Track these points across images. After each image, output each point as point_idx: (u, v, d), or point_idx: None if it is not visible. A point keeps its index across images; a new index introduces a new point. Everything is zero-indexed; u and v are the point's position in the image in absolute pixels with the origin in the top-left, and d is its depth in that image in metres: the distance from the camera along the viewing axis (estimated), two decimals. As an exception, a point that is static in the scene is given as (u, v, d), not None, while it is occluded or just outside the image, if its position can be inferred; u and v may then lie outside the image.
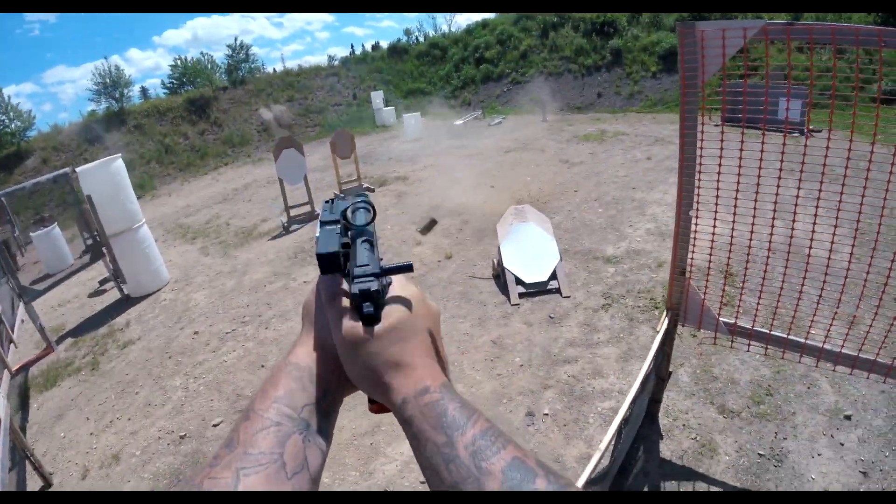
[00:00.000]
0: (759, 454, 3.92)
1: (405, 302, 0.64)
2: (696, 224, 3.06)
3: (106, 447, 4.91)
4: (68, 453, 4.95)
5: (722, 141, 2.74)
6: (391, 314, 0.62)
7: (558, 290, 6.34)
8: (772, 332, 3.23)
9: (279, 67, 30.62)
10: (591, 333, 5.49)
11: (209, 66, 27.64)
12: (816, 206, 2.68)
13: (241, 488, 0.49)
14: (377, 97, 25.68)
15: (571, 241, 7.81)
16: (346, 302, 0.63)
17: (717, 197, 2.91)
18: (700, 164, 2.89)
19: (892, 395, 4.40)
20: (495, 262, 6.96)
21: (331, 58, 32.81)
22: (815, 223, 2.80)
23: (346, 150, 12.24)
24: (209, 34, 58.82)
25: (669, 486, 3.69)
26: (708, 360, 4.88)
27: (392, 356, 0.60)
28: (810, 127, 10.77)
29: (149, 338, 6.90)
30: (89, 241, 9.30)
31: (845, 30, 2.36)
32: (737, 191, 2.83)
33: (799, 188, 2.67)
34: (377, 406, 0.64)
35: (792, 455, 3.91)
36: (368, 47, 34.92)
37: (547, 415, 4.48)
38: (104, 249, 8.07)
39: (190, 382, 5.63)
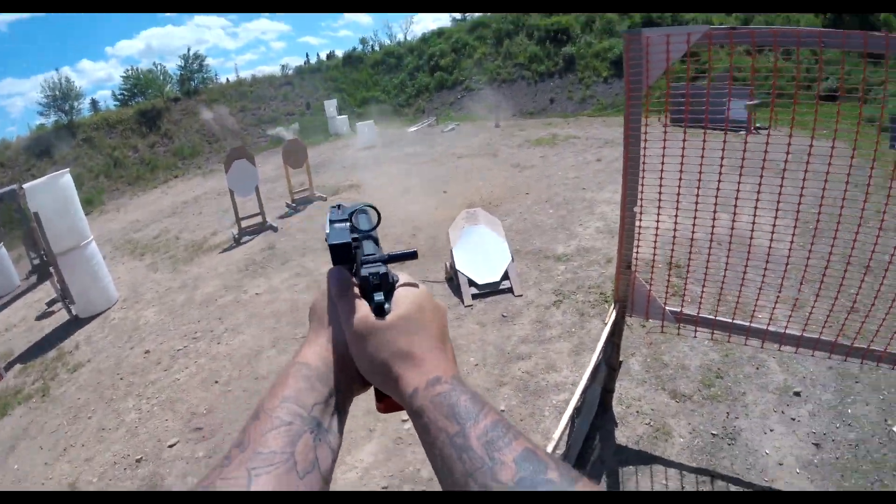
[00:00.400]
0: (712, 434, 4.04)
1: (414, 293, 0.65)
2: (640, 220, 3.15)
3: (62, 476, 4.74)
4: (23, 485, 4.76)
5: (665, 140, 2.88)
6: (401, 304, 0.63)
7: (511, 290, 6.41)
8: (717, 318, 3.34)
9: (233, 77, 30.29)
10: (544, 330, 5.57)
11: (161, 77, 27.17)
12: (757, 198, 2.81)
13: (253, 488, 0.48)
14: (331, 106, 25.58)
15: (523, 242, 7.89)
16: (356, 294, 0.64)
17: (660, 193, 3.00)
18: (644, 164, 2.98)
19: (839, 370, 4.58)
20: (448, 265, 6.99)
21: (284, 67, 32.61)
22: (755, 213, 2.91)
23: (298, 160, 12.17)
24: (163, 44, 57.93)
25: (627, 471, 3.77)
26: (658, 348, 5.00)
27: (402, 346, 0.60)
28: (756, 125, 11.17)
29: (99, 359, 6.70)
30: (36, 261, 9.03)
31: (787, 32, 2.47)
32: (679, 186, 2.94)
33: (739, 182, 2.78)
34: (385, 404, 0.65)
35: (745, 433, 4.04)
36: (324, 56, 34.85)
37: (503, 411, 4.51)
38: (51, 269, 7.84)
39: (143, 403, 5.48)
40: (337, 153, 19.28)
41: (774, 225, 2.86)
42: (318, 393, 0.60)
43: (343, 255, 0.68)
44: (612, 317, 3.52)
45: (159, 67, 27.49)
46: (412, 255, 0.68)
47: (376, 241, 0.71)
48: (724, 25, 2.59)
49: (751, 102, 10.67)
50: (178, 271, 9.44)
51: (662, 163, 2.93)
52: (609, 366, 3.90)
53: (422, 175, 13.03)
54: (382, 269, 0.63)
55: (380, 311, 0.62)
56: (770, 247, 2.96)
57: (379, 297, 0.63)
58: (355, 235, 0.70)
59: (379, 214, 0.73)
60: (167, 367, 6.12)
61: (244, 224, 10.50)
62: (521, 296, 6.31)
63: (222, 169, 10.64)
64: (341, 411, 0.63)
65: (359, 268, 0.66)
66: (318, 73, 30.40)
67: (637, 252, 3.30)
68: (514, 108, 22.41)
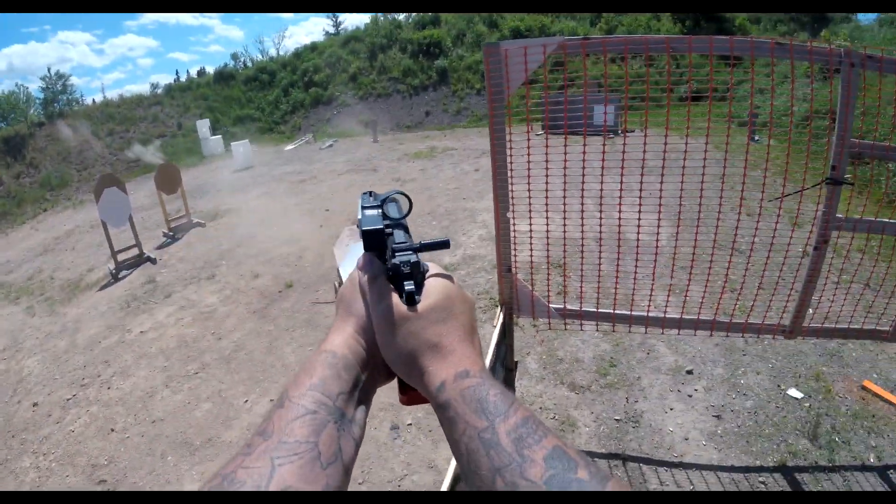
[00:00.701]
0: (615, 420, 4.39)
1: (444, 284, 0.64)
2: (515, 224, 3.29)
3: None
4: None
5: (529, 148, 3.07)
6: (431, 294, 0.62)
7: None
8: (599, 310, 3.60)
9: (99, 98, 28.54)
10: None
11: (24, 100, 25.09)
12: (620, 195, 3.14)
13: (275, 477, 0.47)
14: (203, 126, 24.76)
15: None
16: (386, 282, 0.64)
17: (529, 198, 3.22)
18: (511, 171, 3.11)
19: (725, 345, 5.13)
20: (336, 284, 7.11)
21: (154, 86, 31.26)
22: (620, 208, 3.23)
23: (171, 185, 11.70)
24: (26, 63, 53.36)
25: None
26: (551, 345, 5.38)
27: (431, 337, 0.60)
28: (625, 128, 12.01)
29: (-17, 418, 6.25)
30: None
31: (637, 40, 2.77)
32: (546, 190, 3.14)
33: (602, 181, 3.05)
34: (409, 396, 0.65)
35: (647, 414, 4.43)
36: (194, 73, 33.65)
37: (410, 425, 4.71)
38: None
39: (40, 461, 5.18)
40: (213, 175, 18.72)
41: (640, 216, 3.17)
42: (343, 382, 0.60)
43: (375, 241, 0.67)
44: (500, 319, 3.66)
45: (21, 89, 25.56)
46: (445, 245, 0.66)
47: (406, 230, 0.70)
48: (578, 36, 2.87)
49: (608, 109, 11.53)
50: (57, 314, 8.88)
51: (528, 168, 3.11)
52: (506, 367, 4.04)
53: (303, 194, 13.03)
54: (414, 258, 0.63)
55: (410, 300, 0.61)
56: (638, 238, 3.27)
57: (409, 286, 0.62)
58: (387, 223, 0.69)
59: (410, 203, 0.73)
60: (59, 418, 5.81)
61: (120, 258, 9.99)
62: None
63: (93, 199, 10.03)
64: (365, 402, 0.63)
65: (390, 256, 0.64)
66: (188, 91, 29.37)
67: (515, 255, 3.45)
68: (391, 122, 22.81)
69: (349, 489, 0.55)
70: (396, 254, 0.63)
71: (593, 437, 4.26)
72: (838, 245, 3.75)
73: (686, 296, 3.57)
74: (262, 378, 5.79)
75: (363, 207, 0.72)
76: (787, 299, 3.44)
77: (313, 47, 30.31)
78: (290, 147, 21.78)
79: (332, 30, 32.47)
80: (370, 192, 0.78)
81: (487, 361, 3.51)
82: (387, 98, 24.90)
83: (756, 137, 10.24)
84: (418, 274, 0.63)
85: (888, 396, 4.65)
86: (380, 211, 0.70)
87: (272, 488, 0.47)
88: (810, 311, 3.61)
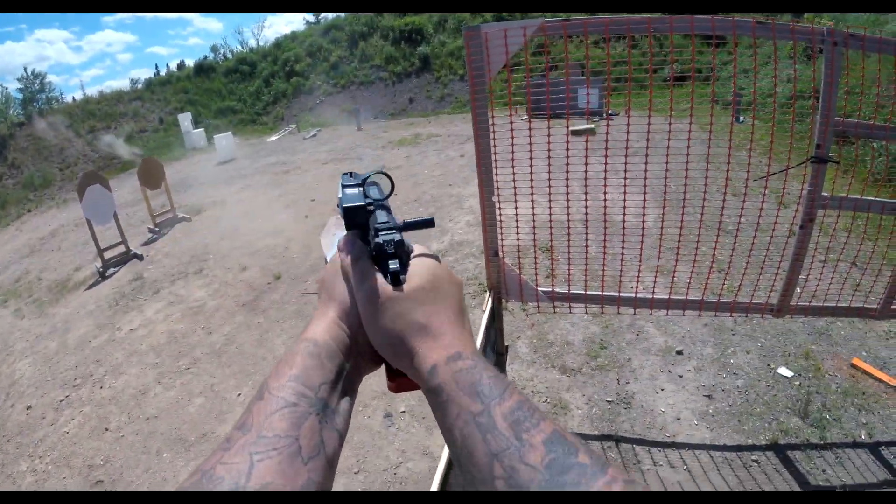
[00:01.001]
0: (607, 401, 4.42)
1: (431, 264, 0.62)
2: (500, 208, 3.25)
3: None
4: None
5: (513, 132, 3.02)
6: (417, 274, 0.60)
7: None
8: (587, 293, 3.61)
9: (79, 95, 28.21)
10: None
11: (3, 100, 24.76)
12: (605, 177, 3.12)
13: (254, 473, 0.46)
14: (185, 119, 24.48)
15: None
16: (370, 262, 0.62)
17: (514, 182, 3.20)
18: (496, 155, 3.10)
19: (714, 325, 5.17)
20: (324, 274, 7.10)
21: (133, 81, 30.91)
22: (605, 190, 3.19)
23: (156, 180, 11.61)
24: (3, 63, 52.48)
25: None
26: (541, 328, 5.40)
27: (420, 318, 0.57)
28: (609, 111, 12.03)
29: (-23, 424, 6.19)
30: None
31: (619, 21, 2.71)
32: (531, 173, 3.15)
33: (586, 164, 3.08)
34: (397, 383, 0.62)
35: (638, 395, 4.47)
36: (174, 67, 33.27)
37: (404, 412, 4.72)
38: None
39: (36, 464, 5.16)
40: (196, 169, 18.54)
41: (625, 198, 3.14)
42: (326, 371, 0.57)
43: (357, 219, 0.65)
44: (488, 304, 3.65)
45: (1, 90, 25.09)
46: (430, 223, 0.65)
47: (389, 211, 0.67)
48: (558, 19, 2.76)
49: (592, 92, 11.52)
50: (46, 315, 8.80)
51: (512, 152, 3.07)
52: (496, 352, 4.04)
53: (288, 184, 12.96)
54: (398, 237, 0.60)
55: (395, 279, 0.59)
56: (624, 220, 3.27)
57: (394, 265, 0.59)
58: (369, 201, 0.67)
59: (393, 183, 0.72)
60: (53, 420, 5.78)
61: (107, 255, 9.91)
62: (402, 294, 6.50)
63: (77, 197, 9.90)
64: (350, 392, 0.60)
65: (373, 235, 0.62)
66: (168, 85, 29.01)
67: (502, 239, 3.43)
68: (374, 110, 22.68)
69: (346, 478, 0.54)
70: (380, 233, 0.61)
71: (586, 420, 4.29)
72: (825, 224, 3.78)
73: (674, 276, 3.58)
74: (253, 371, 5.78)
75: (344, 186, 0.70)
76: (774, 278, 3.46)
77: (293, 37, 29.99)
78: (273, 138, 21.64)
79: (312, 18, 32.06)
80: (350, 173, 0.75)
81: (478, 345, 3.50)
82: (369, 86, 24.74)
83: (740, 118, 10.28)
84: (403, 253, 0.61)
85: (878, 374, 4.69)
86: (361, 189, 0.68)
87: (251, 485, 0.45)
88: (798, 289, 3.65)
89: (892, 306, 3.80)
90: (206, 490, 0.45)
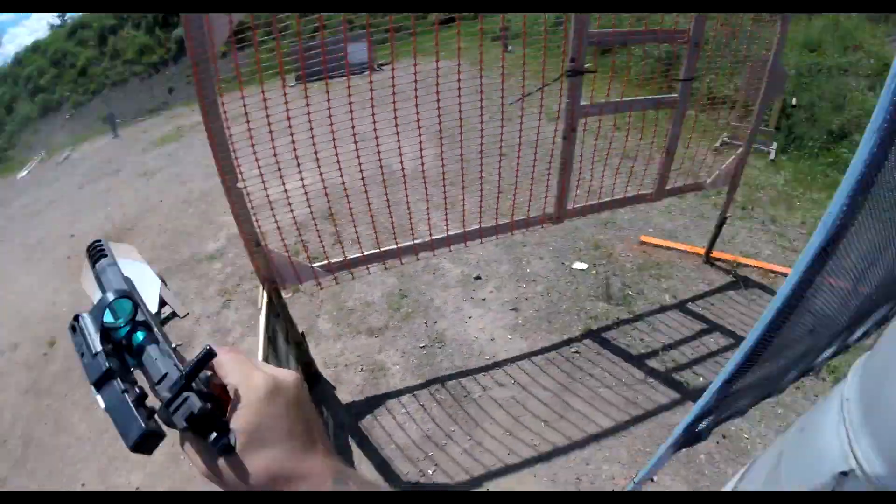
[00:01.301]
0: (421, 347, 4.35)
1: (250, 399, 0.50)
2: (248, 191, 2.95)
3: None
4: None
5: (266, 101, 2.76)
6: (240, 422, 0.49)
7: (174, 314, 5.68)
8: (364, 253, 3.53)
9: None
10: (224, 336, 5.17)
11: None
12: (375, 131, 2.99)
13: None
14: None
15: (171, 255, 7.08)
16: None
17: (276, 157, 2.88)
18: (231, 137, 2.79)
19: (505, 244, 5.30)
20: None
21: None
22: (377, 143, 3.06)
23: None
24: None
25: (366, 421, 3.76)
26: (338, 298, 5.11)
27: (266, 473, 0.48)
28: (378, 62, 11.73)
29: None
30: None
31: None
32: (293, 143, 2.87)
33: (352, 119, 2.90)
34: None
35: (448, 331, 4.45)
36: None
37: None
38: None
39: None
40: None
41: (400, 146, 3.11)
42: None
43: (151, 444, 0.47)
44: (264, 298, 3.37)
45: None
46: (209, 356, 0.50)
47: (154, 338, 0.52)
48: None
49: (360, 48, 11.14)
50: None
51: (269, 126, 2.80)
52: (294, 342, 3.79)
53: (42, 227, 10.77)
54: (197, 404, 0.46)
55: (224, 449, 0.47)
56: (402, 167, 3.24)
57: (216, 440, 0.46)
58: (117, 340, 0.52)
59: (133, 299, 0.54)
60: None
61: None
62: (188, 314, 5.69)
63: None
64: None
65: (162, 407, 0.48)
66: None
67: (260, 226, 3.10)
68: (132, 109, 20.38)
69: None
70: (172, 407, 0.46)
71: (406, 373, 4.16)
72: (600, 127, 3.90)
73: (463, 210, 3.61)
74: (66, 471, 4.51)
75: (85, 366, 0.52)
76: (546, 190, 3.70)
77: (35, 47, 25.89)
78: (22, 174, 18.47)
79: (57, 21, 27.62)
80: (77, 317, 0.56)
81: (260, 347, 3.18)
82: (123, 85, 22.26)
83: (510, 48, 10.47)
84: (210, 411, 0.46)
85: (665, 243, 5.16)
86: (106, 361, 0.50)
87: None
88: (575, 193, 3.87)
89: (666, 187, 4.17)
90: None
